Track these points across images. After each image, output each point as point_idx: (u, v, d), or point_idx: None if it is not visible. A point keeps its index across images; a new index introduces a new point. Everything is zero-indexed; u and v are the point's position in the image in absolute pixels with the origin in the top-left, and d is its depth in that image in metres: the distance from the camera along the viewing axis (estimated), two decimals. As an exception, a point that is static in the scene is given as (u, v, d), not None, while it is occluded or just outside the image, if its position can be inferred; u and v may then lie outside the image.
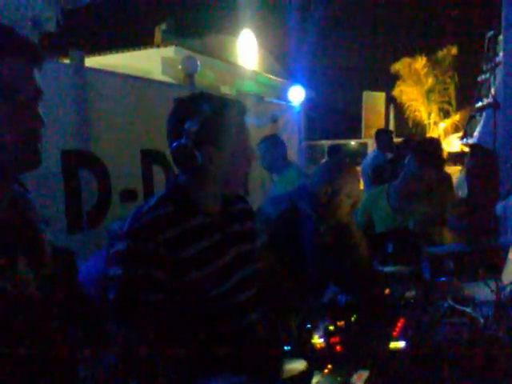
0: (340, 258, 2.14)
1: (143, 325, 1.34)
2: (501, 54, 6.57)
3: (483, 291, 1.87)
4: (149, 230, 1.39)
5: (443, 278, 2.10)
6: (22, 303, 1.07)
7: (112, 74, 4.20)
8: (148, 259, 1.37)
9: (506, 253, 2.04)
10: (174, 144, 1.46)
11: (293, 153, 7.32)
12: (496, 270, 1.99)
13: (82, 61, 3.68)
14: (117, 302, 1.36)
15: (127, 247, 1.39)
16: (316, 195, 2.20)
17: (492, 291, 1.78)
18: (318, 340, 1.43)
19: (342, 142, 17.23)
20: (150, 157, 4.07)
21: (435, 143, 3.17)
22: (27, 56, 1.08)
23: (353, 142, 19.40)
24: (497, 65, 7.44)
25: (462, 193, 5.07)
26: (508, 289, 1.79)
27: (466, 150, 7.26)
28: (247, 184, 5.74)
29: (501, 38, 6.83)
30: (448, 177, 4.97)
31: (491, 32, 8.50)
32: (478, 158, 4.43)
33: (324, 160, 2.65)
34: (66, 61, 3.82)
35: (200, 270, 1.42)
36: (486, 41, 8.93)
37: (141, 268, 1.36)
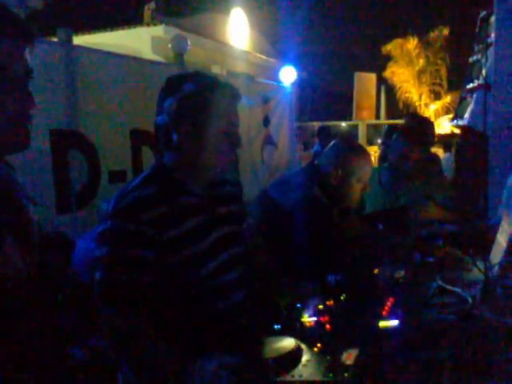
0: (337, 239, 2.13)
1: (128, 305, 1.33)
2: (492, 35, 6.55)
3: (472, 271, 1.89)
4: (132, 210, 1.38)
5: (432, 259, 2.12)
6: (9, 284, 1.06)
7: (101, 53, 4.13)
8: (132, 239, 1.36)
9: (495, 233, 2.06)
10: (155, 122, 1.46)
11: (284, 134, 7.30)
12: (485, 249, 2.01)
13: (70, 39, 3.62)
14: (102, 283, 1.36)
15: (111, 227, 1.38)
16: (326, 178, 2.17)
17: (480, 271, 1.80)
18: (307, 319, 1.44)
19: (332, 123, 17.20)
20: (139, 137, 4.04)
21: (423, 122, 3.18)
22: (18, 34, 1.06)
23: (343, 124, 19.37)
24: (488, 46, 7.42)
25: (448, 174, 5.10)
26: (496, 268, 1.80)
27: (456, 131, 7.27)
28: (237, 167, 5.73)
29: (493, 18, 6.80)
30: (437, 158, 4.99)
31: (483, 12, 8.45)
32: (467, 139, 4.45)
33: (333, 142, 2.59)
34: (54, 39, 3.75)
35: (185, 250, 1.42)
36: (478, 21, 8.88)
37: (125, 248, 1.36)
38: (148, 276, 1.37)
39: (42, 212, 1.39)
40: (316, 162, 2.29)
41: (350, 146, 2.28)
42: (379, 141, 12.66)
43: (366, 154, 2.27)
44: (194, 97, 1.44)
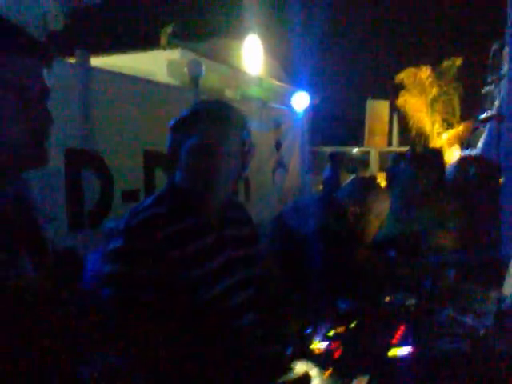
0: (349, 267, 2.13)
1: (136, 323, 1.33)
2: (505, 66, 6.58)
3: (484, 302, 1.86)
4: (144, 228, 1.40)
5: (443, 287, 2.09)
6: (23, 300, 1.06)
7: (117, 75, 4.21)
8: (142, 257, 1.37)
9: (507, 264, 2.03)
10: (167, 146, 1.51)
11: (295, 158, 7.32)
12: (497, 280, 1.98)
13: (87, 60, 3.69)
14: (111, 300, 1.36)
15: (122, 245, 1.40)
16: (344, 212, 2.18)
17: (493, 302, 1.78)
18: (317, 345, 1.43)
19: (344, 148, 17.22)
20: (152, 158, 4.08)
21: (431, 150, 3.19)
22: (36, 55, 1.08)
23: (355, 150, 19.39)
24: (501, 77, 7.44)
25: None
26: (508, 300, 1.78)
27: (454, 160, 7.24)
28: (249, 191, 5.74)
29: (506, 50, 6.85)
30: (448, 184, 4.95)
31: (496, 44, 8.50)
32: (481, 168, 4.43)
33: (352, 176, 2.60)
34: (72, 60, 3.83)
35: (194, 271, 1.42)
36: (491, 53, 8.94)
37: (135, 266, 1.37)
38: (157, 294, 1.37)
39: (55, 230, 1.40)
40: (333, 194, 2.31)
41: (370, 185, 2.29)
42: (391, 168, 12.60)
43: (385, 193, 2.28)
44: (183, 123, 1.50)
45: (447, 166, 5.80)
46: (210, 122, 1.49)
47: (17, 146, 1.05)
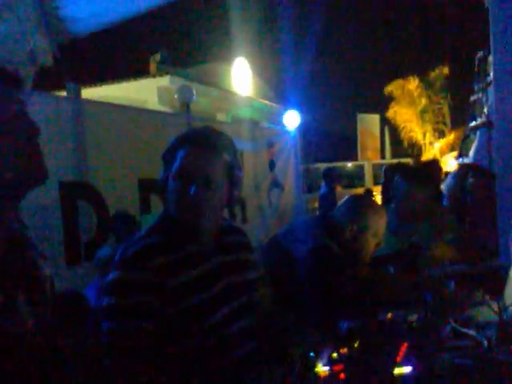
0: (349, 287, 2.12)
1: (137, 355, 1.32)
2: (491, 73, 6.65)
3: (485, 312, 1.85)
4: (138, 259, 1.40)
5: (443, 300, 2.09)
6: (20, 342, 1.06)
7: (108, 105, 4.25)
8: (138, 287, 1.37)
9: (507, 273, 2.03)
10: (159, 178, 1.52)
11: (290, 177, 7.36)
12: (497, 290, 1.98)
13: (78, 93, 3.73)
14: (110, 333, 1.35)
15: (118, 277, 1.39)
16: (341, 231, 2.17)
17: (495, 312, 1.77)
18: (321, 368, 1.42)
19: (338, 164, 17.30)
20: (147, 186, 4.09)
21: (427, 163, 3.19)
22: (5, 81, 1.12)
23: (349, 165, 19.48)
24: (488, 84, 7.53)
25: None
26: (510, 309, 1.78)
27: (453, 169, 7.28)
28: (245, 213, 5.75)
29: (490, 58, 6.92)
30: (443, 197, 4.96)
31: (481, 52, 8.61)
32: (477, 177, 4.45)
33: (348, 197, 2.58)
34: (63, 93, 3.86)
35: (192, 299, 1.42)
36: (477, 61, 9.04)
37: (132, 297, 1.36)
38: (156, 324, 1.36)
39: (53, 266, 1.40)
40: (329, 213, 2.30)
41: (366, 202, 2.29)
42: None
43: (382, 210, 2.27)
44: (169, 150, 1.52)
45: (447, 177, 5.82)
46: (190, 148, 1.49)
47: (16, 167, 1.08)
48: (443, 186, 5.57)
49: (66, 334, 1.19)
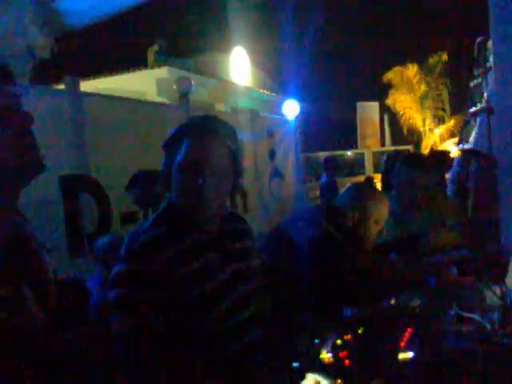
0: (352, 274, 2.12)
1: (146, 347, 1.33)
2: (491, 59, 6.61)
3: (488, 297, 1.86)
4: (144, 251, 1.39)
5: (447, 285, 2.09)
6: (27, 333, 1.07)
7: (107, 97, 4.23)
8: (148, 279, 1.37)
9: (509, 257, 2.04)
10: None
11: (290, 166, 7.35)
12: (500, 275, 1.99)
13: (76, 86, 3.71)
14: (120, 326, 1.35)
15: (124, 269, 1.39)
16: (343, 219, 2.18)
17: (497, 296, 1.78)
18: (326, 355, 1.43)
19: (338, 152, 17.28)
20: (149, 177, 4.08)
21: (434, 153, 3.19)
22: None
23: (349, 153, 19.45)
24: (488, 70, 7.49)
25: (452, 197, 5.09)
26: (513, 293, 1.78)
27: (458, 154, 7.27)
28: (247, 203, 5.75)
29: (490, 43, 6.88)
30: (442, 180, 4.95)
31: (480, 37, 8.56)
32: (480, 163, 4.45)
33: (350, 184, 2.57)
34: (61, 86, 3.85)
35: (199, 288, 1.42)
36: (476, 46, 8.99)
37: (139, 289, 1.36)
38: (166, 315, 1.37)
39: (55, 257, 1.41)
40: (332, 202, 2.31)
41: (367, 190, 2.29)
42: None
43: (383, 197, 2.28)
44: (171, 140, 1.51)
45: (454, 161, 5.81)
46: (195, 137, 1.49)
47: (14, 158, 1.08)
48: (449, 174, 5.59)
49: (68, 324, 1.20)
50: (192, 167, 1.46)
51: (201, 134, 1.49)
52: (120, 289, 1.38)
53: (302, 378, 1.30)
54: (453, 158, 5.98)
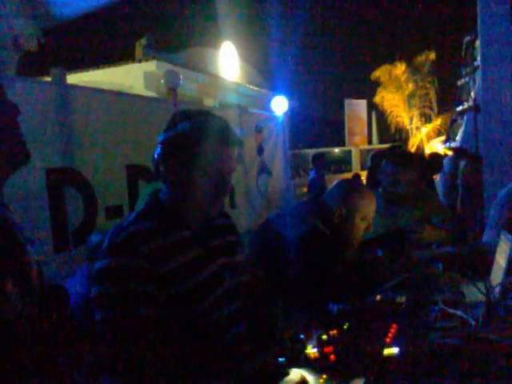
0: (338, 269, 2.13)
1: (132, 341, 1.31)
2: (478, 58, 6.68)
3: (473, 293, 1.88)
4: (128, 245, 1.38)
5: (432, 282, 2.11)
6: (9, 327, 1.05)
7: (94, 90, 4.19)
8: (129, 274, 1.35)
9: (493, 254, 2.06)
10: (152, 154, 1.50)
11: (278, 162, 7.35)
12: (484, 271, 2.01)
13: (63, 78, 3.67)
14: (104, 322, 1.34)
15: (107, 264, 1.37)
16: (330, 215, 2.19)
17: (482, 292, 1.79)
18: (311, 350, 1.43)
19: (326, 149, 17.35)
20: (135, 171, 4.06)
21: (409, 149, 3.23)
22: None
23: (337, 150, 19.53)
24: (475, 69, 7.56)
25: (441, 195, 5.15)
26: (497, 289, 1.80)
27: (449, 153, 7.36)
28: (233, 198, 5.74)
29: (478, 42, 6.95)
30: (430, 179, 5.00)
31: (468, 37, 8.64)
32: (468, 161, 4.50)
33: (339, 181, 2.59)
34: (48, 79, 3.81)
35: (182, 284, 1.41)
36: (464, 45, 9.07)
37: (123, 283, 1.34)
38: (149, 309, 1.36)
39: (40, 252, 1.39)
40: (320, 197, 2.31)
41: (355, 186, 2.30)
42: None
43: (370, 194, 2.29)
44: (185, 136, 1.46)
45: (444, 160, 5.87)
46: (222, 147, 1.48)
47: None
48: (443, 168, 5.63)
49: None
50: (224, 175, 1.49)
51: (230, 144, 1.50)
52: (104, 284, 1.36)
53: (288, 372, 1.31)
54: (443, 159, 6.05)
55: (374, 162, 5.28)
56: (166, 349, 1.37)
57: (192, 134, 1.46)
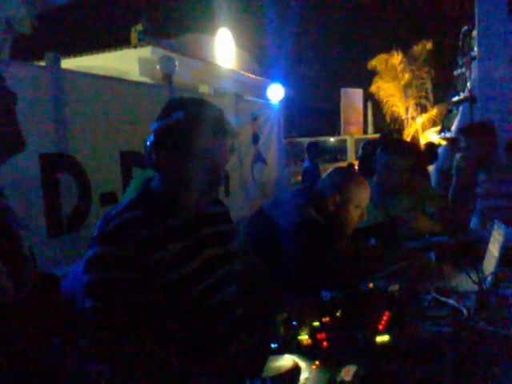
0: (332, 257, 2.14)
1: (123, 329, 1.31)
2: (475, 48, 6.67)
3: (465, 282, 1.89)
4: (118, 234, 1.37)
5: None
6: (2, 312, 1.05)
7: (88, 76, 4.15)
8: (119, 262, 1.34)
9: (486, 243, 2.07)
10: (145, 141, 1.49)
11: (273, 150, 7.34)
12: (477, 260, 2.02)
13: (57, 63, 3.63)
14: (94, 310, 1.33)
15: (97, 252, 1.36)
16: (324, 202, 2.19)
17: (474, 282, 1.81)
18: (304, 337, 1.44)
19: (321, 138, 17.32)
20: (129, 159, 4.04)
21: (404, 138, 3.24)
22: None
23: (332, 139, 19.52)
24: (472, 59, 7.54)
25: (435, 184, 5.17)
26: (489, 279, 1.81)
27: (444, 143, 7.37)
28: (228, 186, 5.74)
29: (474, 33, 6.93)
30: (424, 169, 5.00)
31: (465, 27, 8.61)
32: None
33: (333, 169, 2.58)
34: (42, 63, 3.76)
35: (173, 273, 1.41)
36: (461, 36, 9.05)
37: (113, 272, 1.34)
38: (139, 298, 1.35)
39: (33, 236, 1.38)
40: (314, 186, 2.31)
41: (349, 174, 2.30)
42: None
43: (364, 182, 2.29)
44: (178, 126, 1.44)
45: (439, 150, 5.88)
46: (220, 138, 1.47)
47: None
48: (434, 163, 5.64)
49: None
50: (217, 167, 1.48)
51: (225, 136, 1.49)
52: (94, 272, 1.35)
53: (280, 358, 1.31)
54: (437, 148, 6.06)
55: (366, 151, 5.28)
56: (157, 335, 1.37)
57: (186, 124, 1.44)
